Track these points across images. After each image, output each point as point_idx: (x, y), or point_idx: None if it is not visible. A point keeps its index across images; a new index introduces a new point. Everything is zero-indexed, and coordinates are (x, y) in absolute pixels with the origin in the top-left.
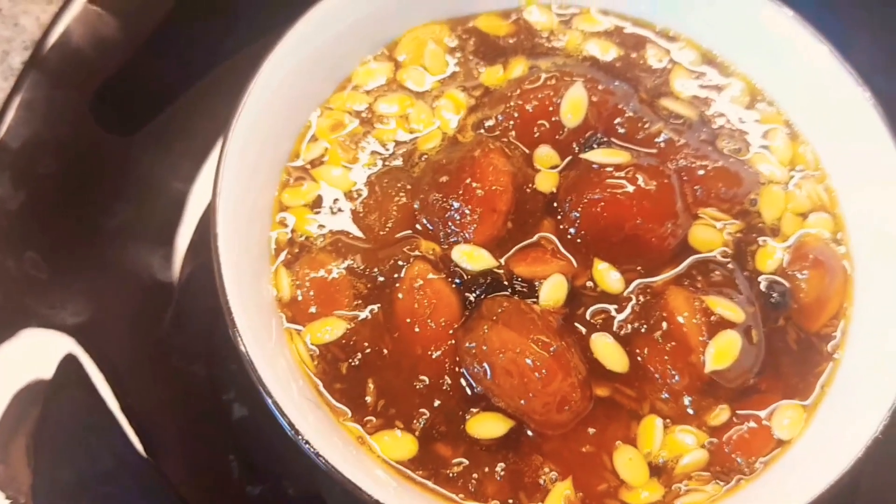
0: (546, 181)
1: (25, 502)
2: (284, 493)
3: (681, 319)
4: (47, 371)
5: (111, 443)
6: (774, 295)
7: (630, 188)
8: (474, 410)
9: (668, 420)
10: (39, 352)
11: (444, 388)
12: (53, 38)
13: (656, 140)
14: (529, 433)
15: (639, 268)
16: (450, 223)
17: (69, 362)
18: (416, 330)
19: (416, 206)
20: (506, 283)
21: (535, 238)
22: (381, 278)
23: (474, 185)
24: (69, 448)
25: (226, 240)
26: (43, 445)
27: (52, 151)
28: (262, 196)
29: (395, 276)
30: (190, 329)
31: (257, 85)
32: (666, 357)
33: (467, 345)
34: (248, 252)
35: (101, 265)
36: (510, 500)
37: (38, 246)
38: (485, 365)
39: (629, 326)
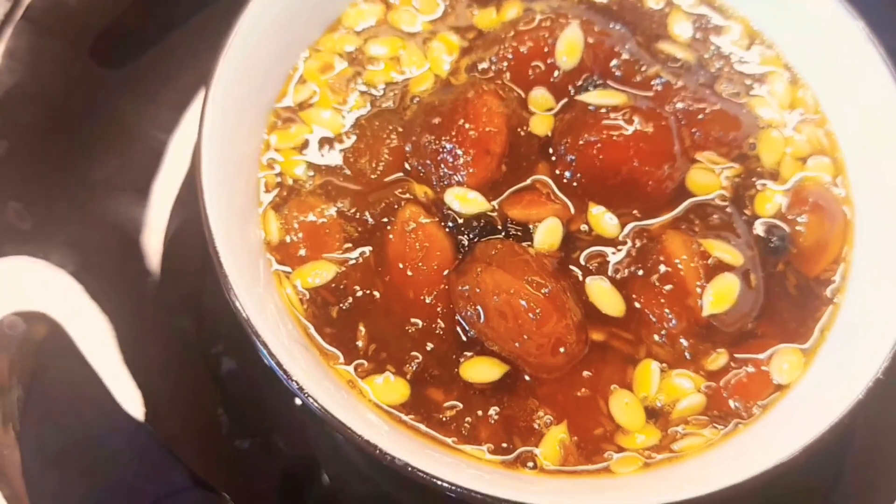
0: (541, 124)
1: (9, 454)
2: (274, 446)
3: (678, 262)
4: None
5: (99, 402)
6: (773, 239)
7: (627, 130)
8: (468, 354)
9: (664, 364)
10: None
11: (437, 332)
12: None
13: (653, 83)
14: (526, 378)
15: (635, 211)
16: (442, 165)
17: (53, 317)
18: (409, 274)
19: (407, 148)
20: (500, 226)
21: (529, 181)
22: (371, 221)
23: (467, 126)
24: (58, 408)
25: (212, 183)
26: (32, 406)
27: (35, 100)
28: (250, 139)
29: (387, 219)
30: (177, 282)
31: (243, 26)
32: (663, 301)
33: (460, 287)
34: (236, 195)
35: (85, 216)
36: (504, 444)
37: (21, 195)
38: (478, 307)
39: (626, 270)
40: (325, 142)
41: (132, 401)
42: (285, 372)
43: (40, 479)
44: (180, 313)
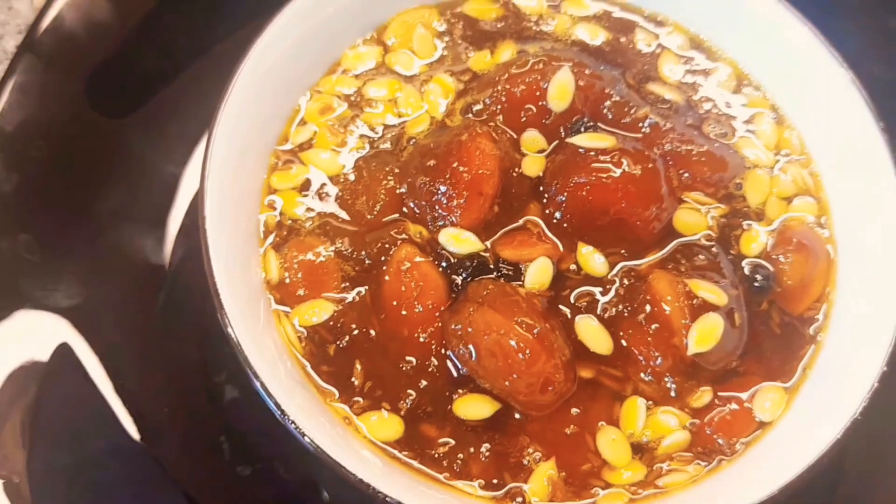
0: (532, 165)
1: (20, 482)
2: (276, 473)
3: (664, 302)
4: (40, 353)
5: (104, 427)
6: (758, 278)
7: (615, 172)
8: (461, 392)
9: (650, 401)
10: (33, 333)
11: (431, 369)
12: (47, 21)
13: (643, 124)
14: (517, 416)
15: (623, 251)
16: (437, 207)
17: (62, 345)
18: (403, 312)
19: (403, 189)
20: (492, 266)
21: (521, 222)
22: (368, 261)
23: (461, 168)
24: (63, 432)
25: (214, 223)
26: (37, 429)
27: (45, 134)
28: (251, 179)
29: (383, 258)
30: (182, 312)
31: (245, 68)
32: (649, 339)
33: (453, 326)
34: (237, 235)
35: (93, 248)
36: (494, 480)
37: (31, 228)
38: (470, 346)
39: (613, 309)
40: (325, 183)
41: (136, 427)
42: (282, 410)
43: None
44: (185, 342)
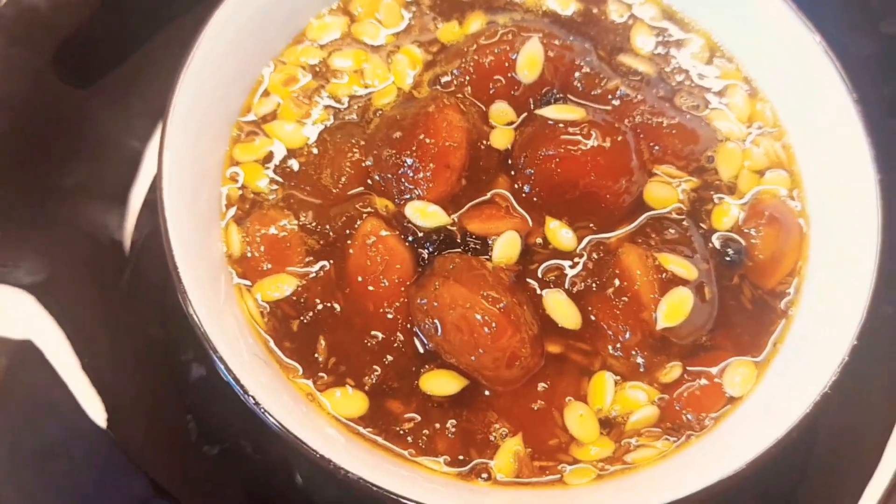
0: (501, 137)
1: None
2: (243, 451)
3: (633, 276)
4: (2, 329)
5: (66, 409)
6: (730, 252)
7: (585, 145)
8: (427, 367)
9: (619, 376)
10: None
11: (397, 345)
12: None
13: (613, 96)
14: (485, 392)
15: (592, 225)
16: (403, 179)
17: (23, 322)
18: (369, 287)
19: (368, 162)
20: (459, 240)
21: (489, 195)
22: (333, 235)
23: (428, 140)
24: (25, 415)
25: (172, 197)
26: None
27: (7, 109)
28: (213, 152)
29: (348, 232)
30: (146, 289)
31: (206, 38)
32: (618, 313)
33: (419, 301)
34: (198, 208)
35: (56, 224)
36: (460, 457)
37: None
38: (436, 321)
39: (582, 283)
40: (288, 155)
41: (98, 407)
42: (242, 387)
43: (9, 484)
44: (149, 320)
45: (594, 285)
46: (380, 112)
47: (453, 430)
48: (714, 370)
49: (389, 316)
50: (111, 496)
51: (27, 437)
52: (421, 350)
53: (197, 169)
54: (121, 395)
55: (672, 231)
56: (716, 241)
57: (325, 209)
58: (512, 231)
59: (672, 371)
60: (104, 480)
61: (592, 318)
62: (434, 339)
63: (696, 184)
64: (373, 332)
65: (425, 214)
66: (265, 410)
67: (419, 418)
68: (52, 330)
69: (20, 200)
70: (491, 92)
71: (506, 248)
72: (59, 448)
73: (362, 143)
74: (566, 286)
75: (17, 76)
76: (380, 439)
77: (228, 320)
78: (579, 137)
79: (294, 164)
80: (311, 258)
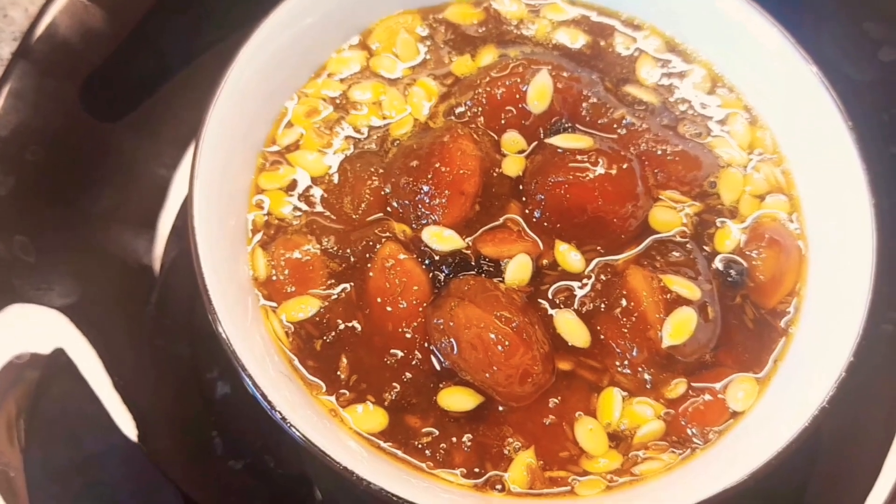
0: (512, 165)
1: (15, 476)
2: (266, 466)
3: (639, 297)
4: (35, 346)
5: (99, 425)
6: (732, 273)
7: (593, 172)
8: (444, 384)
9: (627, 392)
10: (27, 327)
11: (415, 363)
12: (41, 28)
13: (619, 125)
14: (499, 408)
15: (600, 248)
16: (420, 206)
17: (57, 343)
18: (388, 308)
19: (387, 189)
20: (473, 262)
21: (501, 220)
22: (353, 258)
23: (443, 169)
24: (59, 431)
25: (202, 223)
26: (33, 429)
27: (40, 139)
28: (239, 180)
29: (368, 256)
30: (174, 310)
31: (233, 73)
32: (625, 332)
33: (435, 321)
34: (225, 234)
35: (87, 249)
36: (476, 469)
37: (26, 230)
38: (451, 340)
39: (591, 304)
40: (311, 183)
41: (129, 423)
42: (269, 403)
43: (43, 498)
44: (177, 340)
45: (602, 305)
46: (397, 142)
47: (469, 443)
48: (717, 386)
49: (408, 335)
50: None
51: (58, 455)
52: (438, 368)
53: (225, 196)
54: (150, 413)
55: (676, 253)
56: (718, 263)
57: (345, 234)
58: (523, 254)
59: (677, 387)
60: (136, 492)
61: (601, 336)
62: (450, 357)
63: (699, 208)
64: (392, 351)
65: (441, 239)
66: (291, 425)
67: (437, 432)
68: (85, 348)
69: (54, 226)
70: (503, 122)
71: (518, 270)
72: (93, 461)
73: (381, 171)
74: (575, 306)
75: (51, 108)
76: (399, 452)
77: (255, 340)
78: (587, 165)
79: (316, 191)
80: (333, 281)
